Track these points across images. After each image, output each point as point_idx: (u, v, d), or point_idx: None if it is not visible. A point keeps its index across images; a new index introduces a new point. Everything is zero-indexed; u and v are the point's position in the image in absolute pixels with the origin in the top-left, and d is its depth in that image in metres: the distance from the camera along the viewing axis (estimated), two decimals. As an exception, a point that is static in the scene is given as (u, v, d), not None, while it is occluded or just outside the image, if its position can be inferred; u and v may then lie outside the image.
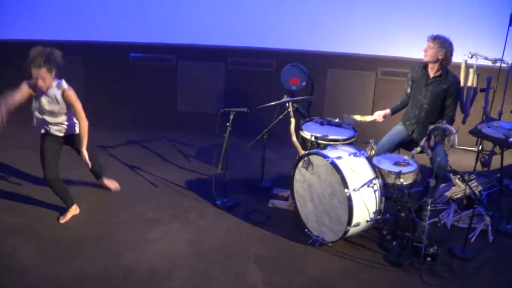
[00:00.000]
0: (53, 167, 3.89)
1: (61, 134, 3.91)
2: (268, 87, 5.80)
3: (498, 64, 4.69)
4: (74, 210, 4.00)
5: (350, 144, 3.93)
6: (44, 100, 3.73)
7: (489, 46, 4.97)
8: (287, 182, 4.07)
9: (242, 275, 3.36)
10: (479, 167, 4.82)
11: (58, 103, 3.73)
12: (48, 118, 3.83)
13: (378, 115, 4.17)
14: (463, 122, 4.59)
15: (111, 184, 4.40)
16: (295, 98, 4.22)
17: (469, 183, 4.33)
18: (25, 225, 3.80)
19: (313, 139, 3.98)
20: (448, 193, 4.43)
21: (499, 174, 4.28)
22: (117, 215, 4.02)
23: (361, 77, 5.87)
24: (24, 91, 3.76)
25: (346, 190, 3.38)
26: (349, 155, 3.61)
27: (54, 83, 3.70)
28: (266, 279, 3.32)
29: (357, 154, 3.64)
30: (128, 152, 5.27)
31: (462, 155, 5.47)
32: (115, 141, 5.56)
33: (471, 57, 4.54)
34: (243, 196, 4.39)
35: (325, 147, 3.87)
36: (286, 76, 5.09)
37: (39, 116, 3.83)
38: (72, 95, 3.73)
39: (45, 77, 3.57)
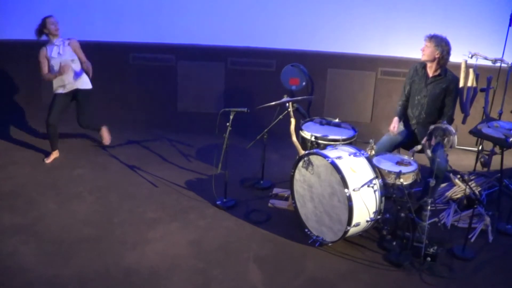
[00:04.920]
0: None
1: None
2: (268, 87, 5.80)
3: (498, 64, 4.69)
4: (56, 153, 5.06)
5: (350, 144, 3.93)
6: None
7: (489, 46, 4.98)
8: (287, 182, 4.07)
9: (242, 275, 3.36)
10: (479, 167, 4.82)
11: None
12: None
13: (394, 129, 4.07)
14: (463, 122, 4.58)
15: (105, 137, 5.26)
16: (295, 98, 4.22)
17: (469, 183, 4.33)
18: (25, 225, 3.80)
19: (313, 139, 3.99)
20: (448, 193, 4.43)
21: (499, 174, 4.28)
22: (117, 215, 4.02)
23: (361, 77, 5.87)
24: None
25: (346, 190, 3.38)
26: (349, 155, 3.61)
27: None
28: (266, 279, 3.32)
29: (357, 154, 3.64)
30: (128, 152, 5.27)
31: (462, 155, 5.47)
32: (115, 141, 5.55)
33: (471, 57, 4.54)
34: (243, 196, 4.38)
35: (325, 147, 3.87)
36: (286, 76, 5.08)
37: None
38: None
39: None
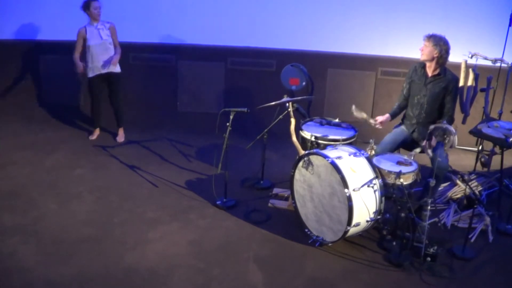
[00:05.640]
0: None
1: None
2: (268, 87, 5.80)
3: (498, 64, 4.69)
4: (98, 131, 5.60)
5: (350, 144, 3.93)
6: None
7: (489, 46, 4.98)
8: (287, 182, 4.07)
9: (242, 275, 3.36)
10: (479, 167, 4.82)
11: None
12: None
13: (378, 121, 4.09)
14: (463, 122, 4.59)
15: (120, 135, 5.57)
16: (295, 98, 4.22)
17: (469, 183, 4.33)
18: (25, 225, 3.80)
19: (313, 139, 3.99)
20: (448, 193, 4.43)
21: (499, 174, 4.28)
22: (117, 215, 4.02)
23: (361, 77, 5.87)
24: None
25: (346, 190, 3.38)
26: (349, 155, 3.61)
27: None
28: (266, 279, 3.32)
29: (357, 154, 3.64)
30: (128, 152, 5.27)
31: (462, 155, 5.47)
32: (115, 141, 5.56)
33: (471, 57, 4.54)
34: (243, 196, 4.38)
35: (325, 147, 3.87)
36: (286, 76, 5.08)
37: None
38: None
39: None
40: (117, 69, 5.32)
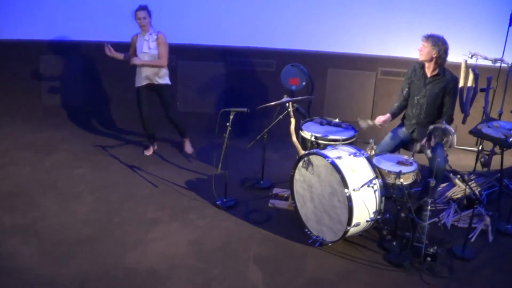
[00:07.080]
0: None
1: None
2: (268, 87, 5.80)
3: (498, 64, 4.69)
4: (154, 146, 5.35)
5: (350, 144, 3.93)
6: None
7: (489, 46, 4.98)
8: (287, 182, 4.07)
9: (242, 275, 3.36)
10: (479, 167, 4.82)
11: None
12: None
13: (380, 120, 4.05)
14: (463, 122, 4.59)
15: (188, 148, 5.37)
16: (295, 98, 4.22)
17: (469, 183, 4.33)
18: (26, 225, 3.80)
19: (313, 139, 3.99)
20: (448, 193, 4.43)
21: (499, 174, 4.28)
22: (117, 215, 4.02)
23: (361, 77, 5.87)
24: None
25: (346, 190, 3.38)
26: (349, 155, 3.61)
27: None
28: (266, 279, 3.32)
29: (357, 154, 3.64)
30: (128, 152, 5.27)
31: (462, 155, 5.47)
32: (115, 141, 5.56)
33: (471, 57, 4.54)
34: (243, 196, 4.39)
35: (325, 147, 3.88)
36: (286, 76, 5.09)
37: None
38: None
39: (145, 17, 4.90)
40: (162, 80, 5.01)
